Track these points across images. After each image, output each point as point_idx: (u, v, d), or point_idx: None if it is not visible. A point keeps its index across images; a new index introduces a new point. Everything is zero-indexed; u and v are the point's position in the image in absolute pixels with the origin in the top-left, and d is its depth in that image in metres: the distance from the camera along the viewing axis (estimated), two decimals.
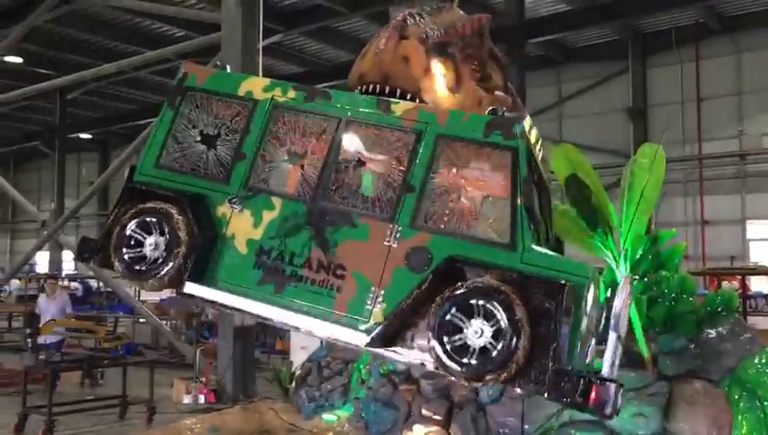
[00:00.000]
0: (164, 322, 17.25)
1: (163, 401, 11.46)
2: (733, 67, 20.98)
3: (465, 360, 3.49)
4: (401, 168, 3.91)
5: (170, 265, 4.12)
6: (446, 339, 3.51)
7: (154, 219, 4.22)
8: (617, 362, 3.57)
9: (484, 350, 3.46)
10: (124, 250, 4.26)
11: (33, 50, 22.33)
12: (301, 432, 6.31)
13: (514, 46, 17.88)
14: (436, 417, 5.29)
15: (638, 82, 22.07)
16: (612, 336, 3.56)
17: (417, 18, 4.65)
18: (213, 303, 4.23)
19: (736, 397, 4.50)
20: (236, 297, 4.05)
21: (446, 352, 3.52)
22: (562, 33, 20.54)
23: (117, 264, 4.31)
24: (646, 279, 5.07)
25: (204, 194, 4.26)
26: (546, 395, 3.45)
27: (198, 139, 4.44)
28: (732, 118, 20.99)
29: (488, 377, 3.43)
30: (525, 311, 3.43)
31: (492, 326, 3.46)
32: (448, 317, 3.52)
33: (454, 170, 3.81)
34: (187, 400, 11.77)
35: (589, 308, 3.57)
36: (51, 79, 19.49)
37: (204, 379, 12.22)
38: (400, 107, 4.06)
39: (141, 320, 18.08)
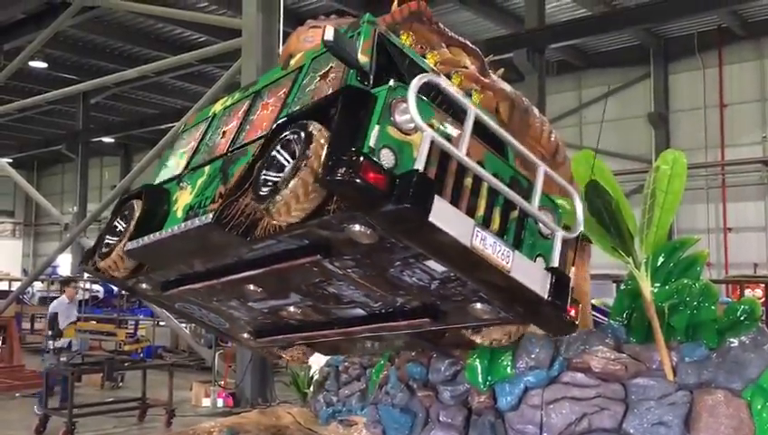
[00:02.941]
0: (183, 325, 17.35)
1: (182, 403, 11.54)
2: (756, 73, 20.75)
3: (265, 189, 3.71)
4: (285, 97, 4.51)
5: (125, 237, 5.01)
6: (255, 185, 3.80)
7: (121, 209, 5.28)
8: (422, 159, 3.40)
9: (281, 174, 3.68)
10: (105, 238, 5.29)
11: (57, 55, 22.66)
12: None
13: (535, 51, 17.84)
14: (454, 424, 5.27)
15: (660, 87, 21.90)
16: (426, 135, 3.44)
17: (334, 19, 5.31)
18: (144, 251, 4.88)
19: (759, 407, 4.44)
20: (159, 233, 4.70)
21: (256, 193, 3.78)
22: (583, 39, 20.44)
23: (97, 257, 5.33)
24: (667, 287, 5.02)
25: (167, 189, 5.11)
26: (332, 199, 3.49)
27: (178, 158, 5.39)
28: (755, 124, 20.75)
29: (283, 192, 3.52)
30: (318, 129, 3.61)
31: (288, 154, 3.73)
32: (259, 166, 3.87)
33: (316, 74, 4.36)
34: (205, 403, 11.85)
35: (409, 117, 3.47)
36: (74, 84, 19.70)
37: (222, 382, 12.29)
38: (296, 59, 4.77)
39: (161, 323, 18.21)
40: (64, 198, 37.21)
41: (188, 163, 5.14)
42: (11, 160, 29.24)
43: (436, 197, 3.43)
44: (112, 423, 10.50)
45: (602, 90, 22.88)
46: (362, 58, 4.10)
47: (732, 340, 4.66)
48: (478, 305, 4.19)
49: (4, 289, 26.33)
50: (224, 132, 4.97)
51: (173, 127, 15.40)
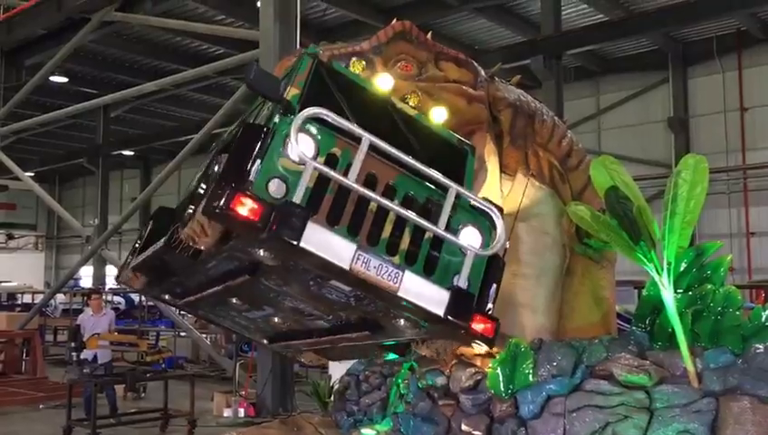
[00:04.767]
0: (204, 335, 17.43)
1: (204, 414, 11.58)
2: None
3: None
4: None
5: (135, 255, 5.62)
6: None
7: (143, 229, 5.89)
8: (301, 191, 3.76)
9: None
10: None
11: (77, 70, 22.94)
12: None
13: (552, 58, 17.78)
14: (476, 432, 5.23)
15: (679, 91, 21.72)
16: (308, 166, 3.78)
17: (322, 46, 5.44)
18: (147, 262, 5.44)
19: None
20: (143, 253, 5.28)
21: (182, 222, 4.32)
22: (600, 44, 20.34)
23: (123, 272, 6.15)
24: (690, 293, 4.97)
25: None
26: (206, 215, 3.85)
27: (194, 181, 5.63)
28: None
29: (192, 221, 3.97)
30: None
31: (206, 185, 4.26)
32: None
33: (265, 105, 4.61)
34: (227, 413, 11.87)
35: (292, 149, 3.82)
36: (95, 98, 19.96)
37: (243, 392, 12.31)
38: None
39: (182, 334, 18.31)
40: (85, 211, 37.60)
41: (197, 186, 5.58)
42: (33, 174, 29.51)
43: (310, 224, 3.73)
44: (135, 434, 10.55)
45: (620, 95, 22.75)
46: (293, 91, 4.29)
47: (758, 346, 4.59)
48: (401, 321, 4.46)
49: (27, 302, 26.64)
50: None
51: (192, 139, 15.50)
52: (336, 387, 7.60)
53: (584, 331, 5.87)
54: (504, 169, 6.04)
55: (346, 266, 3.88)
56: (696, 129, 21.58)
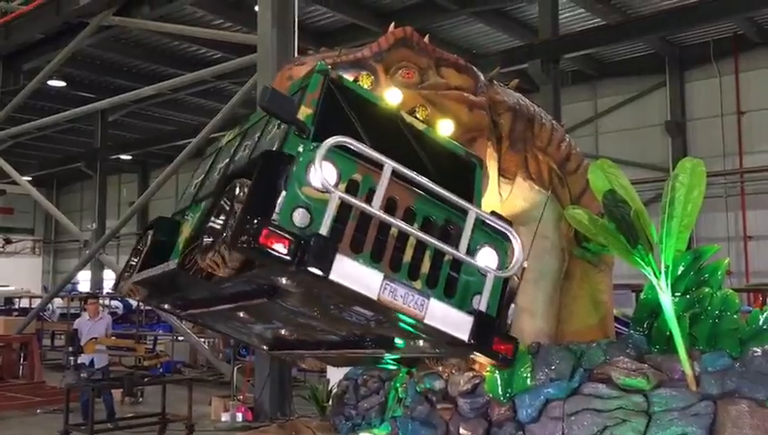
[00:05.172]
0: (202, 340, 17.41)
1: (201, 418, 11.55)
2: None
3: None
4: (257, 141, 4.72)
5: (136, 268, 5.47)
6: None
7: (141, 238, 5.71)
8: (327, 221, 3.72)
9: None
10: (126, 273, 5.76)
11: (75, 74, 22.95)
12: None
13: (549, 62, 17.81)
14: None
15: (676, 95, 21.76)
16: (333, 197, 3.73)
17: (322, 52, 5.47)
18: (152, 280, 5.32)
19: None
20: (150, 270, 5.15)
21: (200, 249, 4.21)
22: (597, 48, 20.38)
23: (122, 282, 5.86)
24: (688, 296, 4.98)
25: (178, 220, 5.36)
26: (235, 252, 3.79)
27: (192, 189, 5.65)
28: None
29: (216, 249, 3.90)
30: (243, 192, 3.94)
31: (223, 216, 4.14)
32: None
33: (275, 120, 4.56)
34: (225, 417, 11.84)
35: (315, 178, 3.77)
36: (92, 102, 19.93)
37: (241, 397, 12.29)
38: None
39: (180, 338, 18.29)
40: (83, 215, 37.54)
41: (195, 195, 5.47)
42: (31, 178, 29.54)
43: (338, 256, 3.72)
44: None
45: (618, 99, 22.79)
46: (306, 111, 4.24)
47: (755, 349, 4.60)
48: (420, 342, 4.48)
49: (24, 306, 26.59)
50: (219, 169, 5.30)
51: (189, 143, 15.51)
52: (334, 391, 7.61)
53: (582, 334, 5.87)
54: (503, 172, 6.04)
55: (374, 297, 3.89)
56: (693, 132, 21.62)
